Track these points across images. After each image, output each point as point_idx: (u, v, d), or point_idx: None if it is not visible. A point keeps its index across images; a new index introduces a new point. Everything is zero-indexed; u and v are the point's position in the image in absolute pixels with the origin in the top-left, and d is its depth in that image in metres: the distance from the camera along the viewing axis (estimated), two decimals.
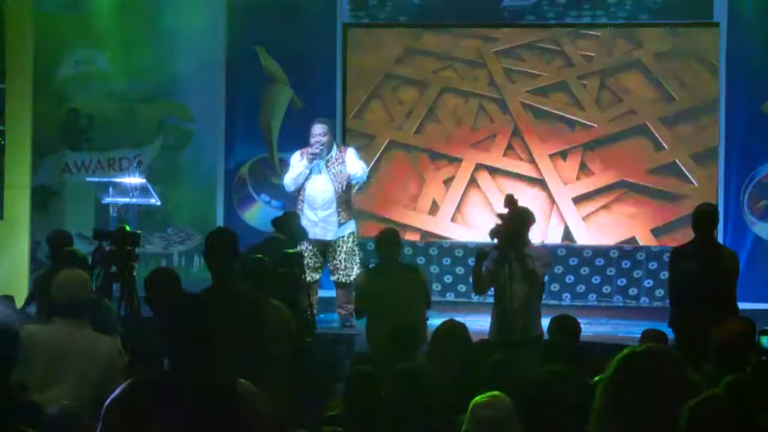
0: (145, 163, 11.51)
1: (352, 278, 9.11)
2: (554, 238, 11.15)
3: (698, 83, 11.14)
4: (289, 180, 9.41)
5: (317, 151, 9.17)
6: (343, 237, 9.31)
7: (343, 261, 9.28)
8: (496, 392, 4.06)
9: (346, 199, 9.35)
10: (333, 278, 9.40)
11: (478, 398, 4.02)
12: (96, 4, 11.36)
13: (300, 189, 9.36)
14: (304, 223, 9.22)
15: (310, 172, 9.28)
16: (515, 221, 7.45)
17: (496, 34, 11.49)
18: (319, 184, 9.27)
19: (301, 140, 11.41)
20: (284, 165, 11.57)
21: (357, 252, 9.42)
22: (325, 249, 9.34)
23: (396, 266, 7.67)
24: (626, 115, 11.18)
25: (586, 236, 11.17)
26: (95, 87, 11.63)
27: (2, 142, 11.40)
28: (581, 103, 11.24)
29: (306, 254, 9.18)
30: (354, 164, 9.36)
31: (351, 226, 9.37)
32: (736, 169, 10.91)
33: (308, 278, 8.96)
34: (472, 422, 3.98)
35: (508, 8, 11.38)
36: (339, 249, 9.29)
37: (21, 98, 11.17)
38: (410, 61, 11.58)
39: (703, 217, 7.31)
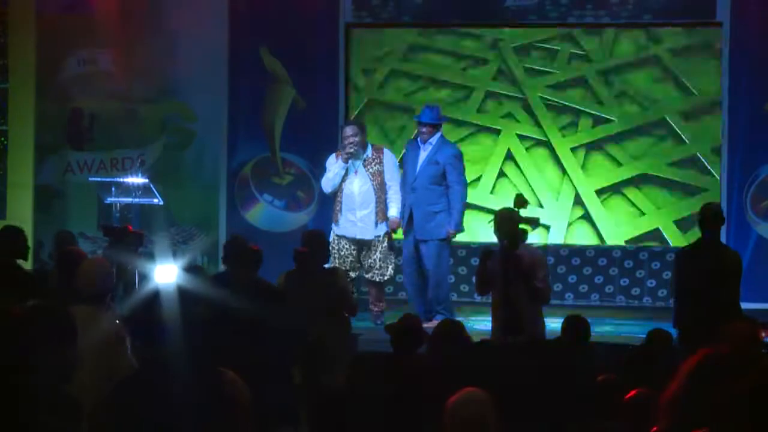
0: (147, 163, 11.51)
1: (386, 277, 9.45)
2: (577, 230, 11.19)
3: (701, 82, 11.13)
4: (326, 181, 9.51)
5: (352, 150, 9.27)
6: (379, 237, 9.39)
7: (378, 260, 9.38)
8: (471, 388, 4.04)
9: (383, 199, 9.42)
10: (367, 276, 9.48)
11: (454, 396, 4.00)
12: (99, 4, 11.36)
13: (336, 191, 9.40)
14: (344, 224, 9.28)
15: (347, 173, 9.34)
16: (517, 222, 7.45)
17: (501, 33, 11.48)
18: (356, 184, 9.36)
19: (303, 140, 11.47)
20: (286, 165, 11.64)
21: (391, 252, 9.47)
22: (361, 248, 9.40)
23: (315, 270, 7.43)
24: (643, 109, 11.19)
25: (611, 228, 11.18)
26: (98, 87, 11.64)
27: (5, 142, 11.42)
28: (599, 98, 11.25)
29: (344, 252, 9.36)
30: (393, 174, 9.45)
31: (385, 227, 9.43)
32: (740, 169, 10.89)
33: None
34: (449, 421, 3.96)
35: (511, 8, 11.37)
36: (375, 248, 9.39)
37: (24, 98, 11.20)
38: (415, 60, 11.58)
39: (708, 218, 7.35)
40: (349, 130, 9.37)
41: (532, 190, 11.24)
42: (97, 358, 5.04)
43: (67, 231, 8.60)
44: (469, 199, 11.05)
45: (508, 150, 11.35)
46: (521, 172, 11.32)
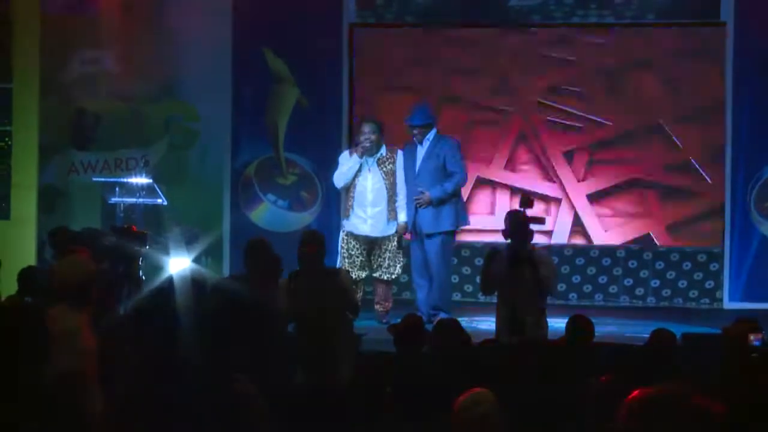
0: (151, 163, 11.52)
1: (394, 276, 9.43)
2: (569, 235, 11.18)
3: (705, 82, 11.11)
4: (338, 176, 9.49)
5: (368, 145, 9.31)
6: (389, 236, 9.38)
7: (387, 259, 9.39)
8: (479, 389, 4.05)
9: (395, 199, 9.41)
10: (375, 274, 9.45)
11: (461, 397, 4.01)
12: (102, 5, 11.37)
13: (349, 187, 9.42)
14: (354, 220, 9.31)
15: (360, 170, 9.36)
16: (524, 222, 7.45)
17: (503, 33, 11.47)
18: (369, 181, 9.37)
19: (307, 140, 11.47)
20: (290, 165, 11.64)
21: (399, 251, 9.47)
22: (371, 247, 9.41)
23: (316, 270, 7.29)
24: (639, 112, 11.17)
25: (600, 233, 11.16)
26: (101, 87, 11.65)
27: (9, 143, 11.43)
28: (594, 102, 11.23)
29: (353, 252, 9.36)
30: (402, 180, 9.42)
31: (395, 226, 9.42)
32: (743, 169, 10.89)
33: (354, 276, 9.01)
34: (456, 421, 3.97)
35: (514, 8, 11.37)
36: (384, 247, 9.39)
37: (28, 98, 11.20)
38: (417, 60, 11.57)
39: None
40: (366, 128, 9.39)
41: (544, 166, 11.23)
42: (78, 359, 4.90)
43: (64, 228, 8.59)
44: (483, 174, 11.08)
45: (521, 129, 11.34)
46: (532, 150, 11.32)
